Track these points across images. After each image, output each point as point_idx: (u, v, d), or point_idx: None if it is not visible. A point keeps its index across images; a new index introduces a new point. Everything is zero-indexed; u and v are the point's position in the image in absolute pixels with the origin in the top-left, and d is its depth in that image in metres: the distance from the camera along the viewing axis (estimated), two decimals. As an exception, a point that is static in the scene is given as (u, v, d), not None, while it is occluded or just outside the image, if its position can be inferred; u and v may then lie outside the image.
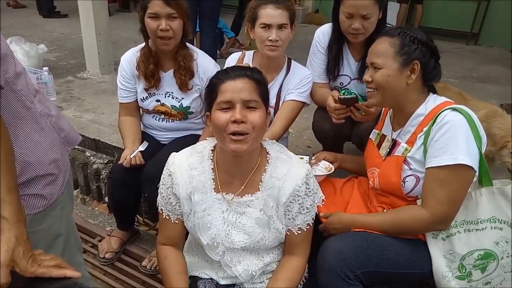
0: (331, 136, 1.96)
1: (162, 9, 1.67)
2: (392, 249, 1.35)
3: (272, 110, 1.90)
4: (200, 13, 3.43)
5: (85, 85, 3.59)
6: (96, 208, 2.43)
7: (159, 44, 1.74)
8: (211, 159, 1.26)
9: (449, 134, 1.25)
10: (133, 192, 1.86)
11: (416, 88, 1.38)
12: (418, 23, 5.52)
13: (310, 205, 1.24)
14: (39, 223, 1.11)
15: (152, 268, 1.94)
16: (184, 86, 1.84)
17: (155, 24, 1.69)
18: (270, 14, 1.71)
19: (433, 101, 1.38)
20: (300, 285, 1.37)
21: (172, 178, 1.24)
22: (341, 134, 1.98)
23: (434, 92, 1.43)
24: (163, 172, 1.29)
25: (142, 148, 1.83)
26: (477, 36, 5.75)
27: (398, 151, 1.41)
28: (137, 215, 2.33)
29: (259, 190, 1.23)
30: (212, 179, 1.24)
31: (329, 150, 1.86)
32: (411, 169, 1.36)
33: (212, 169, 1.25)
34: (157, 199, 1.31)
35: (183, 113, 1.92)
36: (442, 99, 1.39)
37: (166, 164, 1.28)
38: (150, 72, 1.81)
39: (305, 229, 1.26)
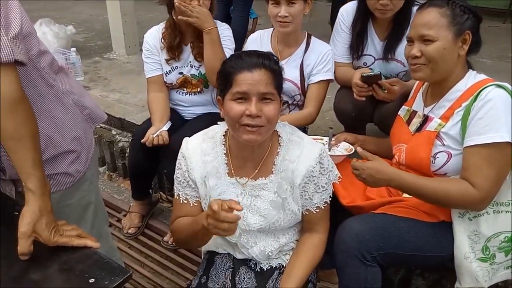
0: (352, 117, 1.93)
1: None
2: (412, 232, 1.33)
3: (295, 88, 1.90)
4: None
5: (112, 65, 3.67)
6: (122, 185, 2.51)
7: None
8: (223, 144, 1.26)
9: (494, 111, 1.21)
10: (150, 158, 1.90)
11: (462, 61, 1.34)
12: (452, 1, 5.26)
13: (326, 183, 1.24)
14: (70, 198, 1.16)
15: (173, 244, 2.00)
16: (199, 56, 1.89)
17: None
18: None
19: (473, 77, 1.34)
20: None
21: (187, 162, 1.26)
22: (363, 115, 1.94)
23: (472, 68, 1.39)
24: (178, 157, 1.30)
25: (165, 127, 1.85)
26: (515, 14, 5.42)
27: (431, 127, 1.37)
28: (160, 192, 2.40)
29: (273, 173, 1.23)
30: (226, 164, 1.25)
31: (350, 132, 1.84)
32: (444, 145, 1.32)
33: (224, 154, 1.25)
34: (174, 185, 1.32)
35: (203, 81, 1.97)
36: (483, 76, 1.35)
37: (180, 149, 1.29)
38: (176, 43, 1.89)
39: (323, 207, 1.26)
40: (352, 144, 1.71)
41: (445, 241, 1.35)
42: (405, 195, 1.48)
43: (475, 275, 1.35)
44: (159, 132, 1.81)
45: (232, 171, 1.25)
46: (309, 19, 1.95)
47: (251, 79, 1.10)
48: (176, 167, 1.30)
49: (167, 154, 1.81)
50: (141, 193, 2.10)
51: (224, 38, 1.89)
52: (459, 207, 1.31)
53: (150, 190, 2.31)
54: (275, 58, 1.18)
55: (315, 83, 1.87)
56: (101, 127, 2.70)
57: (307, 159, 1.20)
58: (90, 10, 5.64)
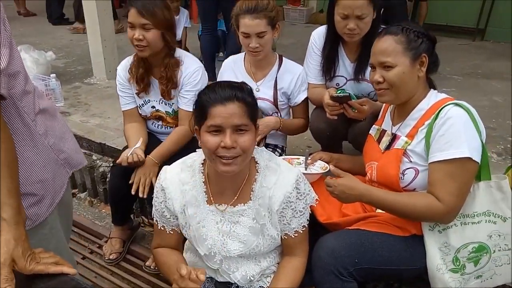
0: (327, 136, 2.00)
1: (136, 19, 1.74)
2: (385, 246, 1.38)
3: (272, 106, 1.99)
4: (223, 14, 3.69)
5: (92, 90, 3.68)
6: (103, 210, 2.50)
7: (136, 51, 1.82)
8: (201, 173, 1.28)
9: (454, 128, 1.28)
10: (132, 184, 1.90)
11: (422, 82, 1.42)
12: (423, 20, 5.48)
13: (303, 208, 1.28)
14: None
15: (155, 268, 1.99)
16: (166, 95, 1.90)
17: (131, 33, 1.76)
18: (247, 24, 1.78)
19: (434, 96, 1.42)
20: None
21: (165, 193, 1.28)
22: (337, 133, 2.01)
23: (434, 87, 1.47)
24: (156, 186, 1.32)
25: (137, 145, 1.85)
26: (483, 32, 5.69)
27: (398, 144, 1.44)
28: (142, 216, 2.39)
29: (251, 200, 1.26)
30: (204, 192, 1.28)
31: (327, 150, 1.90)
32: (411, 161, 1.39)
33: (203, 182, 1.28)
34: (152, 210, 1.35)
35: (177, 118, 1.98)
36: (443, 95, 1.43)
37: (158, 179, 1.31)
38: (140, 75, 1.88)
39: (301, 231, 1.30)
40: (327, 162, 1.77)
41: (417, 254, 1.40)
42: (379, 210, 1.53)
43: (448, 286, 1.39)
44: (132, 150, 1.82)
45: (211, 198, 1.28)
46: (277, 40, 2.03)
47: (224, 112, 1.12)
48: (154, 195, 1.32)
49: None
50: (121, 218, 2.10)
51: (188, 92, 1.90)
52: (427, 220, 1.36)
53: (132, 215, 2.31)
54: (248, 88, 1.20)
55: (301, 102, 2.01)
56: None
57: (284, 185, 1.24)
58: (71, 36, 5.67)
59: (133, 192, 1.80)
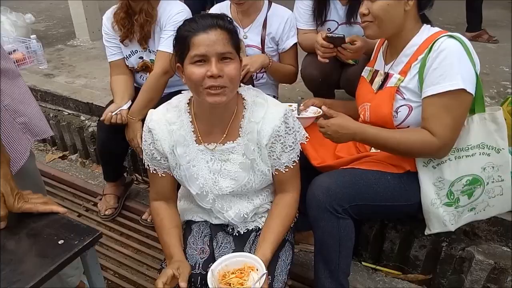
0: (319, 82, 1.96)
1: None
2: (379, 183, 1.38)
3: (257, 50, 1.93)
4: None
5: (76, 52, 3.56)
6: (96, 170, 2.47)
7: None
8: (188, 112, 1.26)
9: (448, 60, 1.24)
10: (119, 138, 1.87)
11: (412, 16, 1.36)
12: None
13: (293, 142, 1.26)
14: None
15: (152, 221, 2.00)
16: (143, 40, 1.83)
17: None
18: None
19: (427, 30, 1.37)
20: (292, 223, 1.41)
21: (152, 135, 1.25)
22: (329, 79, 1.97)
23: (429, 23, 1.42)
24: (144, 129, 1.29)
25: (125, 106, 1.82)
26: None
27: (391, 83, 1.41)
28: (136, 174, 2.38)
29: (240, 136, 1.24)
30: (192, 131, 1.25)
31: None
32: (404, 98, 1.36)
33: (190, 121, 1.25)
34: (143, 155, 1.33)
35: None
36: (436, 28, 1.38)
37: (145, 122, 1.28)
38: (121, 19, 1.80)
39: (291, 166, 1.29)
40: (319, 107, 1.74)
41: (412, 190, 1.40)
42: (373, 150, 1.52)
43: (442, 220, 1.41)
44: (118, 110, 1.78)
45: (200, 138, 1.26)
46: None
47: (208, 40, 1.09)
48: (142, 139, 1.30)
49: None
50: (113, 174, 2.08)
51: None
52: (421, 156, 1.36)
53: (125, 174, 2.29)
54: (228, 18, 1.17)
55: (290, 48, 1.93)
56: (69, 113, 2.64)
57: (272, 119, 1.22)
58: (50, -1, 5.43)
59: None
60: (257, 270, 1.13)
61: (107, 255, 1.91)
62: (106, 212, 2.06)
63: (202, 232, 1.36)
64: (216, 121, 1.24)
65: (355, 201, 1.35)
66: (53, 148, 2.76)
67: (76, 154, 2.63)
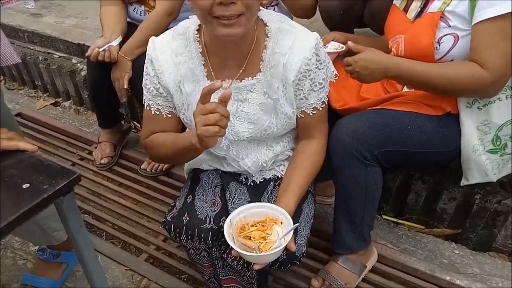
0: (339, 15, 1.70)
1: None
2: (415, 126, 1.18)
3: None
4: None
5: (66, -10, 3.24)
6: (91, 118, 2.28)
7: None
8: (197, 41, 1.03)
9: None
10: None
11: None
12: None
13: (323, 79, 1.05)
14: None
15: (152, 171, 1.84)
16: None
17: None
18: None
19: None
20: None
21: (155, 66, 1.04)
22: (351, 13, 1.71)
23: None
24: (146, 60, 1.08)
25: (115, 42, 1.58)
26: None
27: (434, 7, 1.16)
28: (134, 122, 2.19)
29: (261, 71, 1.03)
30: (203, 65, 1.04)
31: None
32: (449, 26, 1.13)
33: (200, 53, 1.03)
34: (143, 94, 1.11)
35: None
36: None
37: (147, 51, 1.06)
38: None
39: (320, 108, 1.08)
40: (343, 43, 1.51)
41: (451, 134, 1.21)
42: (405, 89, 1.32)
43: (484, 169, 1.23)
44: (107, 46, 1.55)
45: (212, 73, 1.05)
46: None
47: None
48: (143, 72, 1.09)
49: (134, 72, 1.58)
50: (108, 119, 1.89)
51: None
52: (467, 94, 1.15)
53: (123, 121, 2.10)
54: None
55: None
56: (59, 56, 2.41)
57: (302, 50, 1.00)
58: None
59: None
60: (281, 223, 0.97)
61: (104, 206, 1.77)
62: (102, 161, 1.89)
63: (212, 182, 1.18)
64: (231, 53, 1.02)
65: (386, 146, 1.16)
66: (44, 95, 2.55)
67: (70, 101, 2.43)
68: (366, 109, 1.28)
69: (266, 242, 0.94)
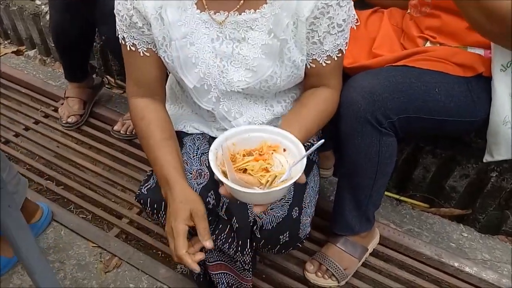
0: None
1: None
2: (442, 89, 0.99)
3: None
4: None
5: None
6: (59, 70, 2.00)
7: None
8: None
9: None
10: (81, 19, 1.40)
11: None
12: None
13: (343, 20, 0.82)
14: None
15: (126, 133, 1.61)
16: None
17: None
18: None
19: None
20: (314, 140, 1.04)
21: None
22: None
23: None
24: None
25: None
26: None
27: None
28: (108, 76, 1.93)
29: (267, 2, 0.81)
30: None
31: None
32: None
33: None
34: (116, 24, 0.87)
35: None
36: None
37: None
38: None
39: (335, 58, 0.86)
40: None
41: (480, 102, 1.03)
42: (428, 44, 1.11)
43: (514, 143, 1.06)
44: None
45: (204, 0, 0.82)
46: None
47: None
48: None
49: (101, 11, 1.31)
50: (76, 71, 1.62)
51: None
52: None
53: (94, 75, 1.84)
54: None
55: None
56: (21, -4, 2.08)
57: None
58: None
59: None
60: (284, 150, 0.76)
61: (71, 172, 1.54)
62: (69, 120, 1.64)
63: (198, 148, 0.97)
64: None
65: (407, 111, 0.97)
66: (6, 42, 2.24)
67: (34, 50, 2.13)
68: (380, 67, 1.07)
69: (270, 175, 0.73)
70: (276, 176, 0.72)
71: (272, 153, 0.76)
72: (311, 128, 0.87)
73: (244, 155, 0.77)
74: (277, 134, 0.78)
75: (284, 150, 0.77)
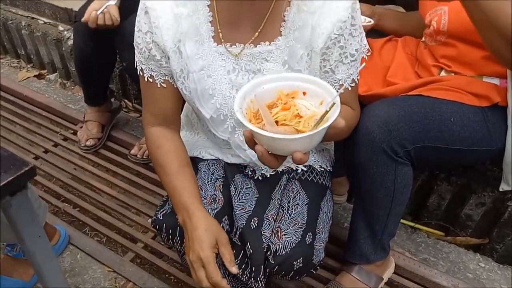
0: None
1: None
2: (457, 118, 0.99)
3: None
4: None
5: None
6: (78, 94, 2.06)
7: None
8: None
9: None
10: (103, 46, 1.45)
11: None
12: None
13: (356, 50, 0.84)
14: None
15: (143, 157, 1.64)
16: None
17: None
18: None
19: None
20: (328, 166, 1.05)
21: (151, 18, 0.83)
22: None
23: None
24: (138, 11, 0.86)
25: (113, 1, 1.36)
26: None
27: None
28: (125, 100, 1.98)
29: (282, 35, 0.83)
30: (210, 22, 0.84)
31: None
32: None
33: (208, 6, 0.84)
34: (135, 55, 0.91)
35: None
36: None
37: None
38: None
39: (349, 87, 0.88)
40: (369, 17, 1.31)
41: (496, 131, 1.03)
42: (443, 73, 1.12)
43: (530, 175, 1.05)
44: (104, 7, 1.33)
45: (220, 34, 0.85)
46: None
47: None
48: (135, 27, 0.88)
49: (123, 39, 1.36)
50: (96, 95, 1.67)
51: None
52: None
53: (113, 99, 1.89)
54: None
55: None
56: (44, 22, 2.17)
57: (335, 9, 0.79)
58: None
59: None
60: (304, 94, 0.73)
61: (88, 194, 1.56)
62: (87, 143, 1.68)
63: (212, 174, 0.99)
64: (247, 9, 0.82)
65: (423, 141, 0.97)
66: (28, 66, 2.32)
67: (55, 74, 2.21)
68: (395, 96, 1.09)
69: (308, 117, 0.69)
70: (323, 115, 0.66)
71: (292, 100, 0.72)
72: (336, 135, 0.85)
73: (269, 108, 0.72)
74: (290, 79, 0.74)
75: (304, 93, 0.73)
